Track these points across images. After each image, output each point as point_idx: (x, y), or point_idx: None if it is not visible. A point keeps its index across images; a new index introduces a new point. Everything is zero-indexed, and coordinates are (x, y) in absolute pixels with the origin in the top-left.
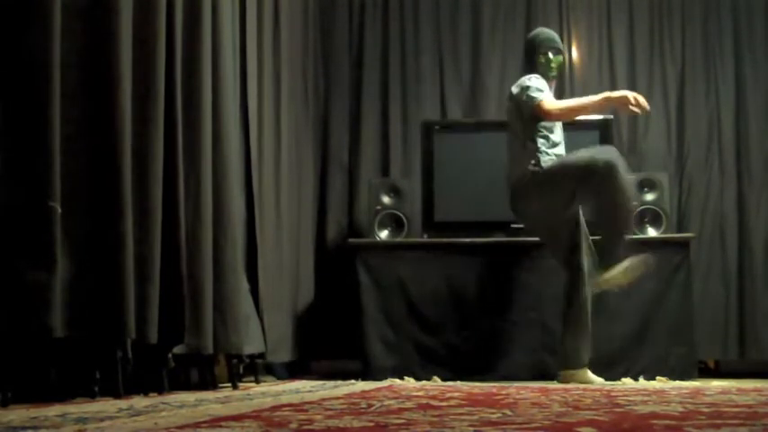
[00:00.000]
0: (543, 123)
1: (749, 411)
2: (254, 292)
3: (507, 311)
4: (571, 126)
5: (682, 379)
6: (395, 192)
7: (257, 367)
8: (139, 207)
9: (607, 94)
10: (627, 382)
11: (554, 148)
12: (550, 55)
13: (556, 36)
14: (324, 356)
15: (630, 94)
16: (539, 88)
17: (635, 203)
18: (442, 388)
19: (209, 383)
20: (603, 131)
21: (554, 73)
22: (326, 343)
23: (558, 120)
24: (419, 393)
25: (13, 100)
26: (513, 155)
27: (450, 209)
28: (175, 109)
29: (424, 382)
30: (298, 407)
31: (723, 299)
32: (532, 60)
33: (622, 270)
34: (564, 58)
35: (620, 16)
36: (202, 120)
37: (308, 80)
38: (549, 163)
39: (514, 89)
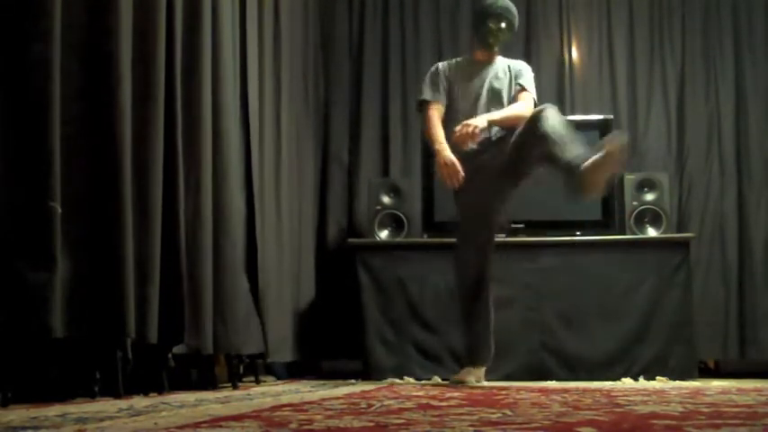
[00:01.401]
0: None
1: (749, 411)
2: (254, 292)
3: (507, 311)
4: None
5: (682, 379)
6: (395, 192)
7: (257, 367)
8: (139, 207)
9: (440, 151)
10: (627, 382)
11: None
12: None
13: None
14: (324, 356)
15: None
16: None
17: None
18: (442, 388)
19: (209, 383)
20: (603, 131)
21: (491, 42)
22: (327, 343)
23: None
24: (419, 393)
25: (13, 100)
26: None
27: (450, 209)
28: (175, 108)
29: (423, 382)
30: (298, 407)
31: (723, 299)
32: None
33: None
34: (509, 29)
35: (620, 16)
36: (202, 119)
37: (308, 80)
38: None
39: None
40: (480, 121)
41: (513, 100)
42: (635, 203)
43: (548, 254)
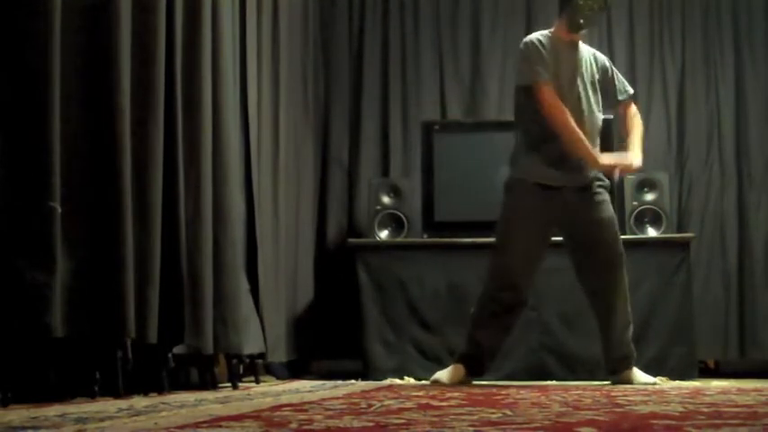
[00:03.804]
0: None
1: (749, 411)
2: (254, 291)
3: None
4: None
5: (682, 379)
6: (395, 192)
7: (257, 367)
8: (139, 207)
9: (602, 159)
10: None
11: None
12: None
13: None
14: (324, 356)
15: (623, 163)
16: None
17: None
18: (442, 388)
19: (209, 383)
20: (603, 131)
21: (583, 22)
22: (326, 343)
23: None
24: (419, 393)
25: (13, 100)
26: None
27: (450, 209)
28: (175, 109)
29: (423, 381)
30: (298, 407)
31: (723, 299)
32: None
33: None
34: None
35: (620, 16)
36: (202, 120)
37: (308, 80)
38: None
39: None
40: (637, 160)
41: (615, 107)
42: (635, 203)
43: (548, 254)
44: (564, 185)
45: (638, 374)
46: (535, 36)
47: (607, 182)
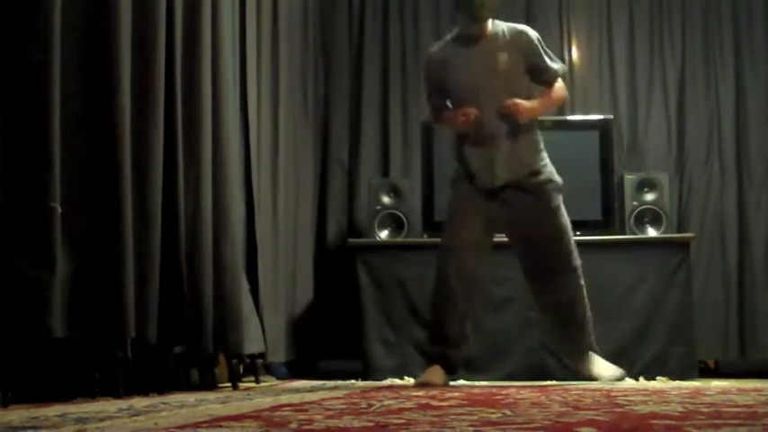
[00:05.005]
0: None
1: (749, 411)
2: (254, 291)
3: (507, 311)
4: (570, 126)
5: (682, 379)
6: (395, 192)
7: (257, 367)
8: (139, 207)
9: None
10: (627, 381)
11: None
12: None
13: None
14: (324, 356)
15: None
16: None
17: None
18: (442, 388)
19: (209, 383)
20: (603, 131)
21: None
22: (326, 343)
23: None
24: (419, 393)
25: (13, 100)
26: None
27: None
28: (175, 109)
29: None
30: (298, 407)
31: (723, 299)
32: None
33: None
34: None
35: (620, 16)
36: (202, 119)
37: (308, 81)
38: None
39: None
40: (524, 107)
41: (540, 82)
42: (635, 203)
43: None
44: (495, 182)
45: (605, 370)
46: (432, 47)
47: (560, 182)
